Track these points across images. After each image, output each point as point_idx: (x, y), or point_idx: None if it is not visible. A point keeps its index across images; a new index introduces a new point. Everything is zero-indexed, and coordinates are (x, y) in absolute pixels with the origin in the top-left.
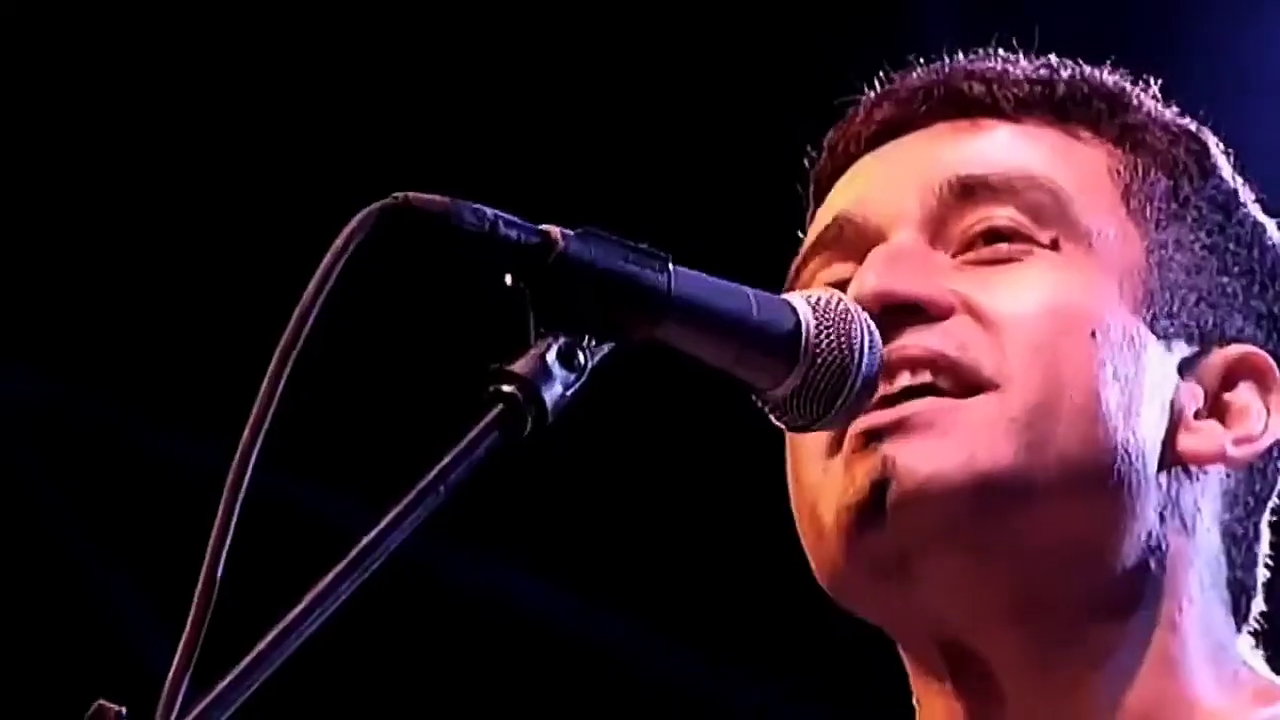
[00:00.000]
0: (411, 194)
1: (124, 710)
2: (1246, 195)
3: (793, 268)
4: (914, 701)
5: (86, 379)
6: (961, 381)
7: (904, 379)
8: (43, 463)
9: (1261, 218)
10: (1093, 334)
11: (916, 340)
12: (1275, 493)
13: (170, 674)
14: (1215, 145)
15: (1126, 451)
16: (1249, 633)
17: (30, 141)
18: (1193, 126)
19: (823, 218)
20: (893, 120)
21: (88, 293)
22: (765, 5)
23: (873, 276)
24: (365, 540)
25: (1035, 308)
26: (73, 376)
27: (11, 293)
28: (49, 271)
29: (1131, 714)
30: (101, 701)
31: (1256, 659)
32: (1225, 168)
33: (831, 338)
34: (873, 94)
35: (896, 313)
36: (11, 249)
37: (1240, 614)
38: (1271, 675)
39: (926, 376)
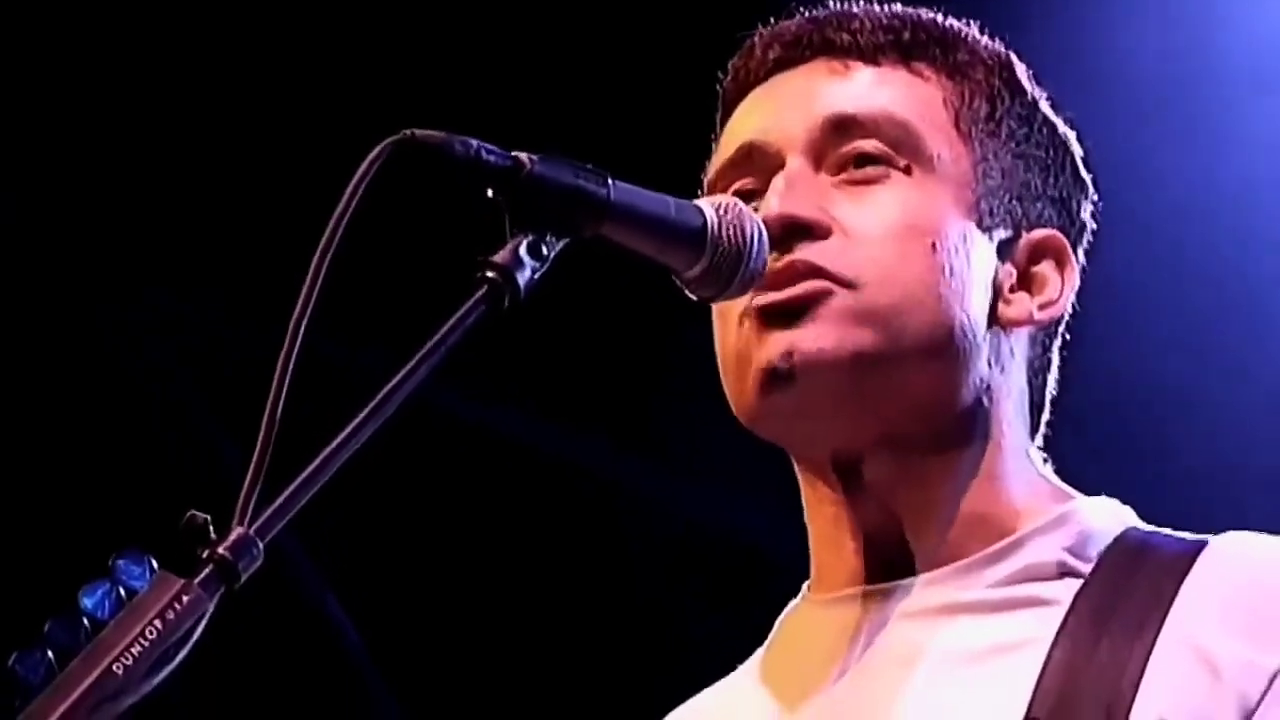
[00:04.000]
0: (417, 130)
1: (209, 517)
2: (1044, 103)
3: (707, 181)
4: (805, 518)
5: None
6: (832, 281)
7: (795, 281)
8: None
9: (1054, 119)
10: (932, 245)
11: (804, 255)
12: (1060, 330)
13: (242, 492)
14: (1020, 67)
15: (961, 328)
16: (1038, 446)
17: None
18: (1003, 54)
19: (730, 142)
20: (781, 59)
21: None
22: None
23: (776, 201)
24: (386, 388)
25: (887, 226)
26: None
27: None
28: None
29: (967, 513)
30: (192, 511)
31: (1046, 468)
32: (1028, 84)
33: (731, 231)
34: (765, 32)
35: (793, 229)
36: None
37: (1035, 429)
38: (1055, 478)
39: (809, 280)
